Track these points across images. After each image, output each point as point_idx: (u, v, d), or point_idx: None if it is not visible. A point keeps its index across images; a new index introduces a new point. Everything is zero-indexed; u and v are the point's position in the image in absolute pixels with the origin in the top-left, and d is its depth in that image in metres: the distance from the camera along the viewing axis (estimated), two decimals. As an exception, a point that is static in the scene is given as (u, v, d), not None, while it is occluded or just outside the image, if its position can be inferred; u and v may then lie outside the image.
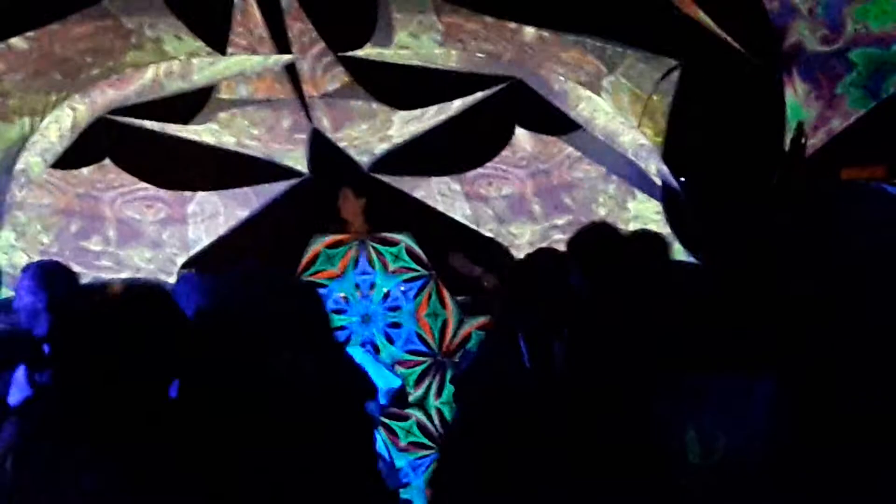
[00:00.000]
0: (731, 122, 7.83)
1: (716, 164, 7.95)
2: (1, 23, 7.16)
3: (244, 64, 8.20)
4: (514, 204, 9.32)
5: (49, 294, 5.83)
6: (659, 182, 8.16)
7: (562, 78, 8.13)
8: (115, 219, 9.02)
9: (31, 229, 8.68)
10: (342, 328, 8.47)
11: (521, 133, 9.18)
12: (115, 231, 9.00)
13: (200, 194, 9.19)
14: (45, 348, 5.36)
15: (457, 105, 8.76)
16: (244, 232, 9.14)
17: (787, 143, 7.35)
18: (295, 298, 4.87)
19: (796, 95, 7.74)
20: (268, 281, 4.70)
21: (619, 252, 5.51)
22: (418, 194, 9.29)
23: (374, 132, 8.99)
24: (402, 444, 8.49)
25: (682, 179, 8.02)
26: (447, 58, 8.18)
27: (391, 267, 8.65)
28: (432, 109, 8.84)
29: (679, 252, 7.60)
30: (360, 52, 8.21)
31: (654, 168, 8.10)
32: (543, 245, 8.35)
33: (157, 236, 9.11)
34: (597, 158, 8.90)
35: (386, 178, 9.11)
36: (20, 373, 5.15)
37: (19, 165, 7.44)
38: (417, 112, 8.86)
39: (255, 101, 8.83)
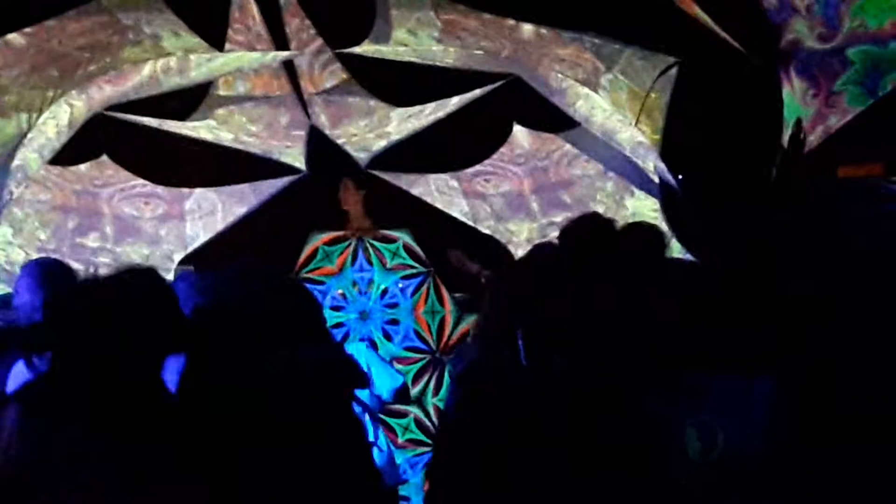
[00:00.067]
0: (729, 120, 7.83)
1: (713, 162, 7.95)
2: (-2, 19, 7.16)
3: (242, 60, 8.19)
4: (512, 201, 9.32)
5: (47, 291, 5.82)
6: (657, 179, 8.16)
7: (560, 75, 8.13)
8: (112, 215, 9.02)
9: (29, 226, 8.67)
10: (340, 325, 8.48)
11: (519, 130, 9.18)
12: (113, 228, 9.00)
13: (198, 191, 9.19)
14: (42, 337, 5.36)
15: (455, 102, 8.76)
16: (242, 229, 9.14)
17: (785, 140, 7.36)
18: (292, 295, 4.88)
19: (794, 93, 7.75)
20: (265, 278, 4.70)
21: (613, 241, 5.51)
22: (416, 191, 9.29)
23: (372, 129, 8.98)
24: (400, 441, 8.50)
25: (680, 177, 8.02)
26: (445, 55, 8.18)
27: (389, 264, 8.66)
28: (430, 106, 8.84)
29: (677, 250, 7.60)
30: (357, 49, 8.20)
31: (652, 165, 8.11)
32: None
33: (154, 233, 9.11)
34: (594, 156, 8.90)
35: (384, 175, 9.11)
36: (19, 365, 5.15)
37: (16, 162, 7.43)
38: (415, 109, 8.85)
39: (252, 98, 8.82)
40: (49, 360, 3.91)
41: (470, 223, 9.28)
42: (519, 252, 8.78)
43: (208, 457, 4.22)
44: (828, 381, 3.48)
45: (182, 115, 8.67)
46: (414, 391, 8.55)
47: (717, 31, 7.45)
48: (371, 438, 6.27)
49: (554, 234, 8.59)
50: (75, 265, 8.00)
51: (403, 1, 7.87)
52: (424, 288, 8.70)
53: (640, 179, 8.46)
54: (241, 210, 9.19)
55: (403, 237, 8.71)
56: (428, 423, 8.53)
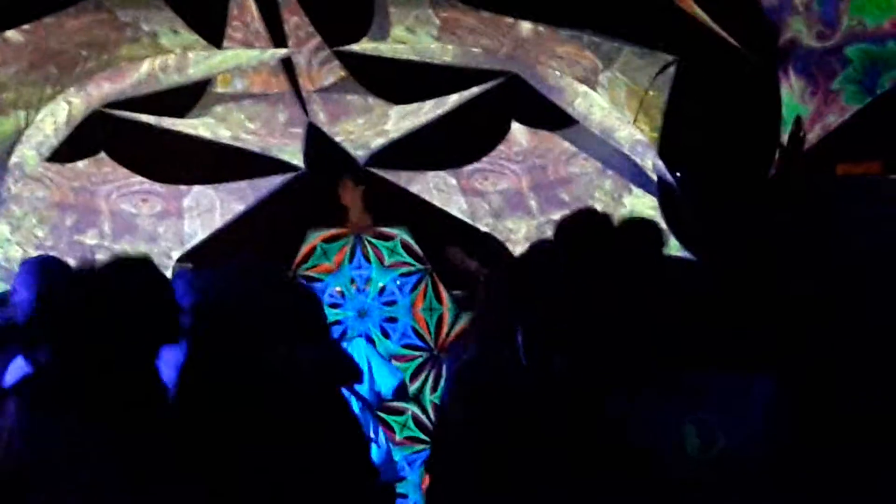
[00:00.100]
0: (727, 118, 7.83)
1: (712, 160, 7.95)
2: (-4, 16, 7.15)
3: (240, 58, 8.18)
4: (511, 199, 9.32)
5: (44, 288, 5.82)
6: (655, 178, 8.17)
7: (558, 73, 8.13)
8: (110, 212, 9.01)
9: (27, 223, 8.66)
10: (338, 322, 8.48)
11: (517, 128, 9.18)
12: (111, 225, 8.99)
13: (196, 188, 9.18)
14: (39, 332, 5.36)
15: (453, 100, 8.75)
16: (240, 226, 9.13)
17: (784, 139, 7.36)
18: (290, 292, 4.88)
19: (792, 91, 7.75)
20: (264, 274, 4.70)
21: (609, 237, 5.51)
22: (414, 189, 9.29)
23: (370, 127, 8.98)
24: (398, 438, 8.51)
25: (678, 175, 8.02)
26: (443, 52, 8.18)
27: (387, 261, 8.67)
28: (428, 104, 8.83)
29: (675, 248, 7.61)
30: (356, 47, 8.20)
31: (650, 163, 8.11)
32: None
33: (152, 230, 9.10)
34: (593, 153, 8.90)
35: (382, 173, 9.11)
36: (17, 360, 5.15)
37: (14, 159, 7.43)
38: (413, 107, 8.85)
39: (251, 95, 8.81)
40: (46, 354, 3.91)
41: (468, 221, 9.28)
42: (517, 250, 8.78)
43: (205, 451, 4.23)
44: (827, 380, 3.49)
45: (180, 113, 8.66)
46: (412, 388, 8.56)
47: (715, 30, 7.45)
48: (370, 434, 6.28)
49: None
50: (73, 262, 8.02)
51: (402, -1, 7.88)
52: (422, 285, 8.70)
53: (638, 178, 8.47)
54: (239, 207, 9.19)
55: (401, 235, 8.71)
56: (426, 421, 8.53)
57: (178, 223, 9.15)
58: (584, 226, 5.53)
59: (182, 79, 8.07)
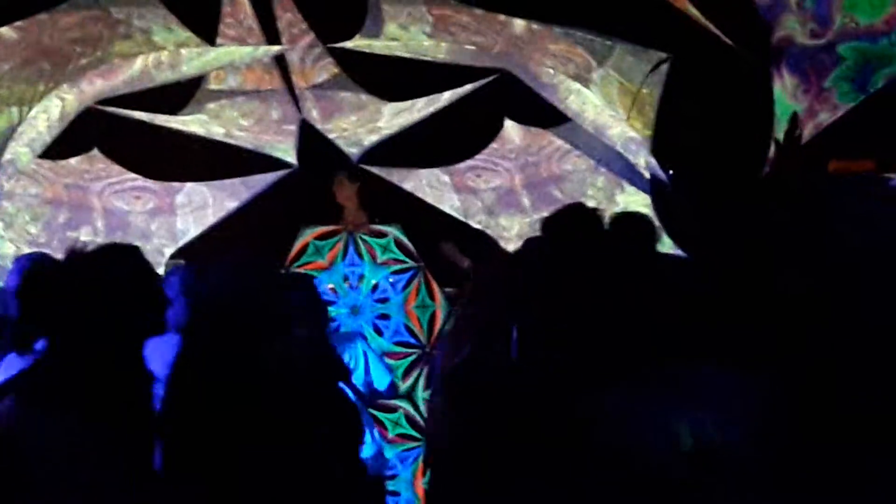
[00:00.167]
0: (720, 116, 7.84)
1: (704, 158, 7.96)
2: (-10, 13, 7.15)
3: (233, 55, 8.18)
4: (503, 196, 9.32)
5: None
6: (647, 175, 8.17)
7: (551, 70, 8.14)
8: (103, 209, 9.01)
9: (19, 220, 8.66)
10: (332, 320, 8.48)
11: (510, 125, 9.18)
12: (104, 221, 8.99)
13: (189, 185, 9.18)
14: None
15: (446, 97, 8.76)
16: (233, 223, 9.13)
17: (780, 136, 7.36)
18: (286, 288, 4.89)
19: (785, 89, 7.75)
20: (258, 271, 4.71)
21: (597, 232, 5.52)
22: (407, 186, 9.29)
23: (363, 124, 8.99)
24: (391, 435, 8.50)
25: (671, 172, 8.03)
26: (436, 50, 8.19)
27: (380, 259, 8.66)
28: (422, 101, 8.84)
29: (668, 245, 7.60)
30: (349, 44, 8.20)
31: (643, 161, 8.11)
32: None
33: (145, 227, 9.10)
34: (586, 151, 8.91)
35: (375, 170, 9.11)
36: (10, 357, 5.15)
37: (7, 155, 7.43)
38: (407, 104, 8.85)
39: (244, 92, 8.81)
40: (35, 347, 3.90)
41: (461, 218, 9.29)
42: (510, 247, 8.78)
43: (196, 445, 4.24)
44: (821, 377, 3.48)
45: (173, 109, 8.66)
46: (404, 386, 8.55)
47: (708, 27, 7.45)
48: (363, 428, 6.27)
49: (548, 230, 8.62)
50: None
51: (395, -4, 7.88)
52: (415, 283, 8.70)
53: (631, 175, 8.47)
54: (232, 204, 9.19)
55: (394, 232, 8.71)
56: (418, 418, 8.53)
57: (171, 220, 9.15)
58: (571, 221, 5.54)
59: (175, 76, 8.08)
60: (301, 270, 8.49)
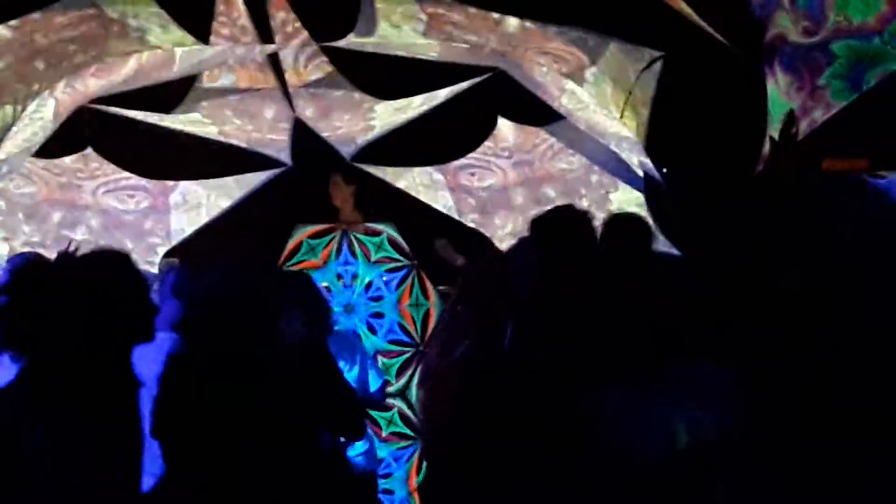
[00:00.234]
0: (714, 114, 7.83)
1: (698, 156, 7.96)
2: (-18, 12, 7.14)
3: (227, 53, 8.18)
4: (497, 194, 9.33)
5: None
6: (641, 173, 8.18)
7: (544, 69, 8.14)
8: (97, 208, 9.01)
9: (13, 218, 8.65)
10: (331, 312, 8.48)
11: (503, 123, 9.19)
12: (97, 220, 8.99)
13: (183, 184, 9.18)
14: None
15: (440, 95, 8.76)
16: (227, 222, 9.14)
17: (774, 134, 7.36)
18: (281, 286, 4.90)
19: (778, 87, 7.75)
20: (253, 270, 4.72)
21: (585, 232, 5.53)
22: (401, 184, 9.29)
23: (356, 122, 8.99)
24: (384, 434, 8.51)
25: (665, 170, 8.03)
26: (430, 48, 8.18)
27: (373, 257, 8.66)
28: (415, 100, 8.84)
29: (662, 243, 7.61)
30: (342, 43, 8.19)
31: (636, 159, 8.12)
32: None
33: (139, 226, 9.10)
34: (579, 149, 8.91)
35: (369, 168, 9.11)
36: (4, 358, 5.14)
37: (0, 155, 7.42)
38: (400, 102, 8.86)
39: (237, 91, 8.81)
40: (25, 350, 3.90)
41: (455, 217, 9.29)
42: (504, 245, 8.79)
43: (190, 445, 4.25)
44: (821, 377, 3.49)
45: (167, 108, 8.66)
46: (398, 384, 8.56)
47: (701, 25, 7.45)
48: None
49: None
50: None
51: (388, -6, 7.87)
52: (409, 281, 8.70)
53: (624, 173, 8.48)
54: (226, 203, 9.19)
55: (388, 230, 8.71)
56: (412, 417, 8.53)
57: (165, 219, 9.15)
58: (558, 221, 5.56)
59: (169, 74, 8.07)
60: (295, 268, 8.49)
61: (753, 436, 3.69)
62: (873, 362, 3.43)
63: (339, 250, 8.66)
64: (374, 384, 6.75)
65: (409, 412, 8.53)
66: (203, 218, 9.15)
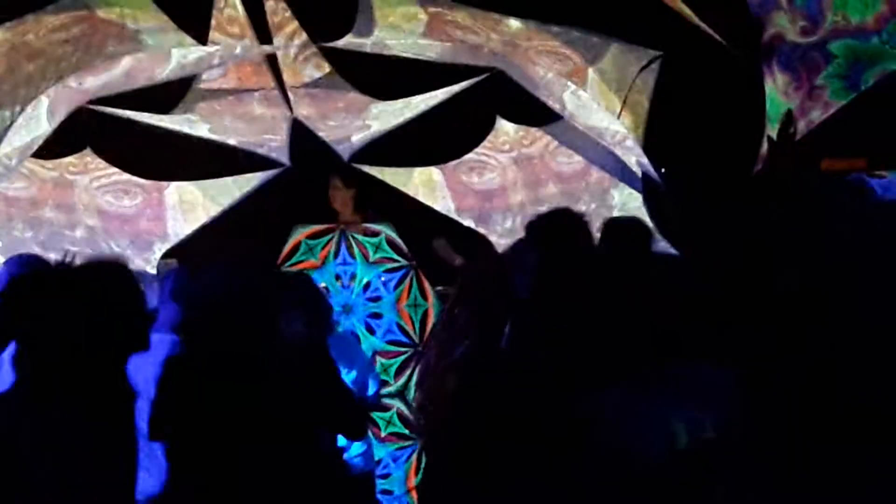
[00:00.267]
0: (712, 114, 7.84)
1: (696, 156, 7.96)
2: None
3: (225, 54, 8.17)
4: (496, 193, 9.33)
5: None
6: (639, 173, 8.17)
7: (544, 69, 8.13)
8: (92, 207, 8.99)
9: (5, 215, 8.63)
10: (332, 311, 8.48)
11: (503, 123, 9.18)
12: (93, 219, 8.97)
13: (180, 184, 9.17)
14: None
15: (438, 95, 8.75)
16: (225, 222, 9.13)
17: (772, 133, 7.36)
18: (281, 287, 4.90)
19: (776, 87, 7.75)
20: (253, 271, 4.71)
21: (580, 234, 5.53)
22: (399, 184, 9.28)
23: (354, 122, 8.98)
24: (383, 434, 8.50)
25: (663, 170, 8.03)
26: (428, 48, 8.17)
27: (372, 257, 8.64)
28: (414, 100, 8.84)
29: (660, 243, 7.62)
30: (340, 43, 8.19)
31: (635, 159, 8.11)
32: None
33: (135, 225, 9.09)
34: (578, 149, 8.91)
35: (367, 168, 9.11)
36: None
37: (-1, 157, 7.42)
38: (398, 102, 8.85)
39: (235, 91, 8.80)
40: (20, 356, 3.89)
41: (453, 216, 9.29)
42: (503, 244, 8.79)
43: (192, 446, 4.25)
44: (819, 376, 3.50)
45: (164, 109, 8.66)
46: (397, 385, 8.55)
47: (699, 25, 7.45)
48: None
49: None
50: (55, 257, 7.98)
51: (388, -6, 7.87)
52: (407, 281, 8.69)
53: (623, 173, 8.47)
54: (223, 203, 9.18)
55: (386, 231, 8.69)
56: (410, 417, 8.52)
57: (162, 219, 9.14)
58: (553, 224, 5.56)
59: (165, 75, 8.06)
60: (293, 269, 8.48)
61: (753, 436, 3.69)
62: (871, 361, 3.43)
63: (337, 251, 8.64)
64: (371, 388, 6.75)
65: (407, 412, 8.52)
66: (200, 218, 9.14)
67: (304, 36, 8.25)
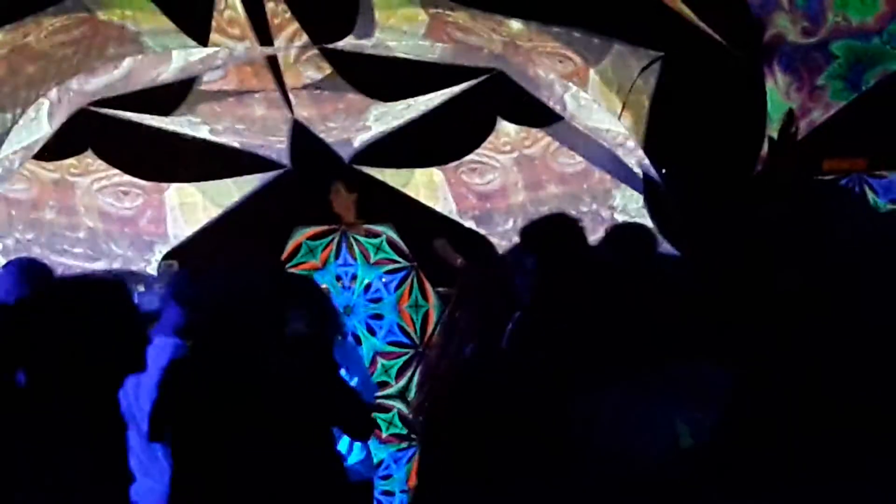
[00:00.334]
0: (712, 114, 7.83)
1: (697, 156, 7.95)
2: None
3: (225, 55, 8.16)
4: (497, 194, 9.32)
5: (28, 291, 5.80)
6: (640, 174, 8.17)
7: (545, 70, 8.12)
8: (93, 208, 8.99)
9: (6, 216, 8.62)
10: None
11: (504, 124, 9.18)
12: (93, 220, 8.96)
13: (180, 185, 9.16)
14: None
15: (439, 96, 8.75)
16: (226, 224, 9.12)
17: (773, 134, 7.36)
18: (286, 290, 4.90)
19: (777, 87, 7.75)
20: (257, 274, 4.72)
21: (575, 238, 5.53)
22: (400, 185, 9.28)
23: (355, 123, 8.98)
24: (384, 436, 8.50)
25: (664, 171, 8.02)
26: (430, 49, 8.17)
27: (373, 259, 8.66)
28: (414, 101, 8.83)
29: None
30: (341, 44, 8.18)
31: (636, 160, 8.11)
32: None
33: (135, 226, 9.08)
34: (579, 150, 8.90)
35: (367, 170, 9.10)
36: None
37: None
38: (400, 103, 8.84)
39: (236, 93, 8.79)
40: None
41: (454, 217, 9.28)
42: (503, 246, 8.79)
43: (195, 448, 4.25)
44: (819, 376, 3.49)
45: (165, 111, 8.65)
46: (398, 386, 8.56)
47: (700, 26, 7.45)
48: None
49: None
50: (54, 257, 8.01)
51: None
52: (408, 282, 8.70)
53: (624, 174, 8.47)
54: (224, 205, 9.17)
55: (387, 232, 8.70)
56: (412, 418, 8.53)
57: (162, 220, 9.13)
58: (548, 229, 5.56)
59: (166, 77, 8.05)
60: (295, 271, 8.49)
61: (753, 436, 3.68)
62: (871, 362, 3.42)
63: (338, 252, 8.65)
64: (369, 395, 6.76)
65: (408, 414, 8.52)
66: (201, 220, 9.13)
67: (304, 37, 8.23)
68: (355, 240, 8.62)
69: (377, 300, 8.69)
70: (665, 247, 7.30)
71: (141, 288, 7.84)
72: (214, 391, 4.33)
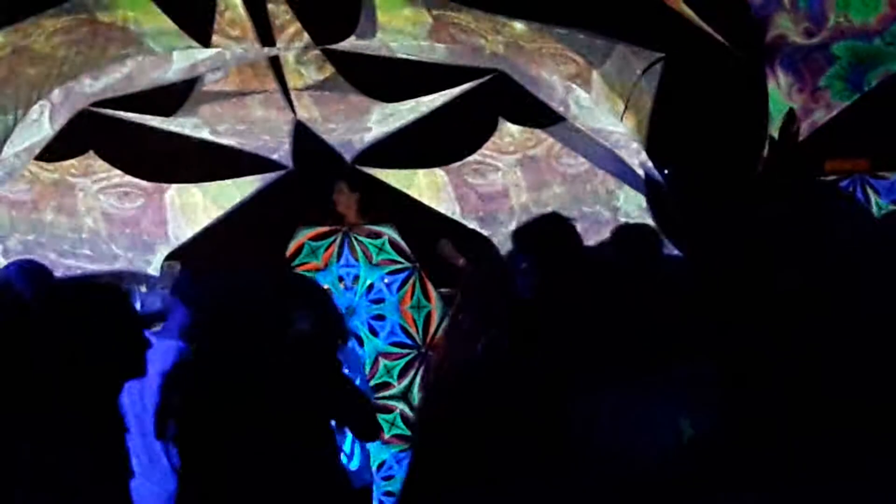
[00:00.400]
0: (714, 115, 7.84)
1: (700, 156, 7.95)
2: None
3: (227, 56, 8.16)
4: (500, 195, 9.32)
5: (28, 292, 5.80)
6: (642, 174, 8.17)
7: (548, 71, 8.12)
8: (93, 209, 8.98)
9: (6, 217, 8.62)
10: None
11: (507, 125, 9.18)
12: (94, 221, 8.96)
13: (182, 186, 9.16)
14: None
15: (441, 97, 8.75)
16: (228, 225, 9.12)
17: (775, 134, 7.37)
18: (289, 291, 4.90)
19: (779, 88, 7.75)
20: (259, 275, 4.72)
21: (566, 239, 5.53)
22: (402, 186, 9.28)
23: (357, 124, 8.97)
24: (387, 436, 8.49)
25: (666, 171, 8.02)
26: (432, 50, 8.16)
27: (375, 259, 8.65)
28: (416, 101, 8.83)
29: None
30: (343, 45, 8.18)
31: (638, 160, 8.10)
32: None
33: (136, 227, 9.07)
34: (581, 151, 8.90)
35: (370, 171, 9.10)
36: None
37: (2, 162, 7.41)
38: (402, 104, 8.84)
39: (237, 94, 8.79)
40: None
41: (457, 218, 9.28)
42: (506, 247, 8.78)
43: (197, 448, 4.25)
44: (819, 376, 3.49)
45: (167, 112, 8.65)
46: (400, 386, 8.55)
47: (702, 27, 7.45)
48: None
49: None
50: (55, 258, 8.00)
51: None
52: (410, 283, 8.69)
53: (626, 174, 8.46)
54: (225, 206, 9.17)
55: (389, 232, 8.70)
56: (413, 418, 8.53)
57: (163, 221, 9.12)
58: (542, 231, 5.56)
59: (167, 78, 8.05)
60: (296, 272, 8.49)
61: (753, 436, 3.68)
62: (871, 362, 3.42)
63: (340, 252, 8.65)
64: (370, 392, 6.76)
65: (410, 414, 8.52)
66: (203, 221, 9.13)
67: (306, 38, 8.23)
68: (357, 240, 8.61)
69: (379, 301, 8.69)
70: (670, 248, 7.31)
71: (143, 288, 7.85)
72: (217, 392, 4.33)
